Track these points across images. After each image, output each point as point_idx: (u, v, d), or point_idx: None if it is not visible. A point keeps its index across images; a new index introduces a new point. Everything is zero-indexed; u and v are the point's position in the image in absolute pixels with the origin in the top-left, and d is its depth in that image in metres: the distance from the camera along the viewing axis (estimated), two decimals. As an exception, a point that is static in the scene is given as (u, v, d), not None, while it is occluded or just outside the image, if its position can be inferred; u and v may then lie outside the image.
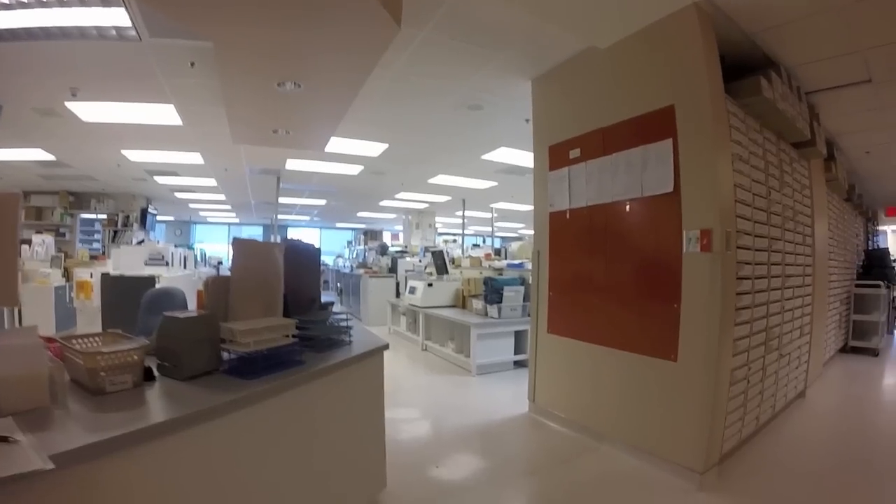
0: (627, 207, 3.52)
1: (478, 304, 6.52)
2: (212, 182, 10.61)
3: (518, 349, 6.27)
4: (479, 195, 11.32)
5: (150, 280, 5.17)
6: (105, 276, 5.08)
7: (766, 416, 3.94)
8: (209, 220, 18.92)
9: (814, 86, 4.62)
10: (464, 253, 9.77)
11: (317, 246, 3.15)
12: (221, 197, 12.85)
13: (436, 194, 11.73)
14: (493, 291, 6.17)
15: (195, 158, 8.29)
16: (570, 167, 4.00)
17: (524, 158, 7.69)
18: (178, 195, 12.53)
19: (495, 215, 13.81)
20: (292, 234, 21.22)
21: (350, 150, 7.48)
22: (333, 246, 21.10)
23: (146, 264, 7.56)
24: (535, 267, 4.45)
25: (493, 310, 6.15)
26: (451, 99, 5.28)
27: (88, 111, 5.65)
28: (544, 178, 4.36)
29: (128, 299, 2.68)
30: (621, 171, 3.56)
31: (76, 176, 9.95)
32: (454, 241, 14.29)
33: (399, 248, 13.03)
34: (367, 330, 3.07)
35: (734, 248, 3.16)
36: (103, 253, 10.83)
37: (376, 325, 9.43)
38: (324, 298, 2.97)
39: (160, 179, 10.25)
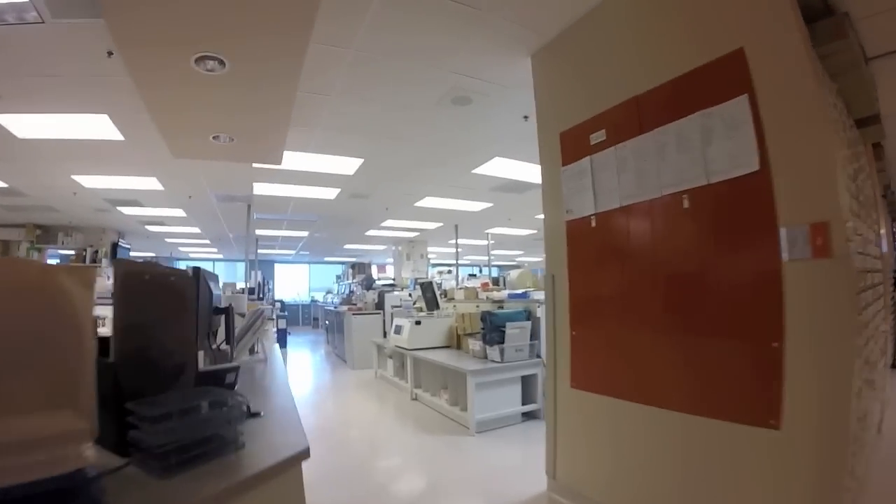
0: (685, 201, 2.42)
1: (475, 344, 5.39)
2: (180, 213, 9.60)
3: (526, 397, 5.13)
4: (473, 219, 10.28)
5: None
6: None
7: None
8: (191, 255, 17.85)
9: (875, 49, 3.59)
10: (458, 284, 8.65)
11: (206, 272, 2.10)
12: (196, 230, 11.82)
13: (425, 220, 10.69)
14: (492, 329, 5.04)
15: (153, 184, 7.34)
16: (593, 156, 2.92)
17: (522, 171, 6.69)
18: (150, 228, 11.53)
19: (492, 242, 12.77)
20: (279, 270, 20.16)
21: (321, 168, 6.47)
22: (324, 281, 20.02)
23: (95, 304, 6.47)
24: (548, 297, 3.31)
25: (493, 352, 5.02)
26: (432, 90, 4.26)
27: (19, 124, 4.95)
28: (556, 178, 3.30)
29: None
30: (670, 152, 2.49)
31: (37, 207, 9.05)
32: (448, 271, 13.21)
33: (387, 282, 11.89)
34: (287, 419, 1.90)
35: (853, 252, 2.07)
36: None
37: (362, 369, 8.31)
38: (296, 340, 1.87)
39: (125, 210, 9.29)
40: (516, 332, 5.06)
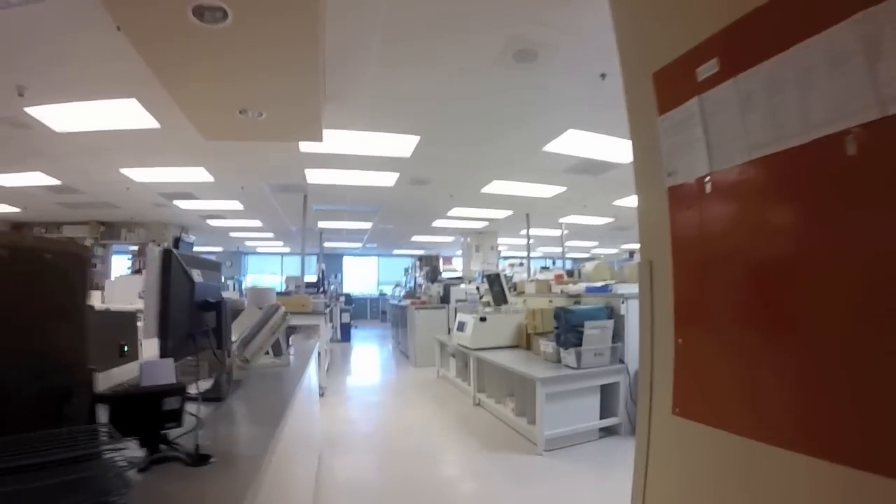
0: (849, 145, 1.59)
1: (546, 345, 4.65)
2: (236, 205, 9.40)
3: (605, 410, 4.36)
4: (546, 207, 9.45)
5: (128, 314, 3.94)
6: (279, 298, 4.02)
7: None
8: (258, 250, 17.99)
9: None
10: (529, 276, 7.87)
11: (189, 256, 1.55)
12: (256, 223, 11.67)
13: (493, 208, 9.96)
14: (568, 329, 4.28)
15: (202, 175, 7.09)
16: (703, 96, 2.09)
17: (599, 147, 5.86)
18: (211, 222, 11.50)
19: (566, 232, 11.86)
20: (347, 263, 20.03)
21: (375, 149, 5.92)
22: (393, 275, 19.72)
23: (140, 297, 6.31)
24: (644, 291, 2.51)
25: (568, 356, 4.27)
26: (489, 43, 3.55)
27: (53, 117, 4.88)
28: (650, 133, 2.49)
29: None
30: (819, 76, 1.65)
31: (97, 203, 9.24)
32: (520, 264, 12.41)
33: (453, 274, 11.25)
34: (248, 467, 1.26)
35: None
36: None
37: (425, 367, 7.74)
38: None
39: (181, 204, 9.21)
40: (596, 333, 4.28)
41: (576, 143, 5.72)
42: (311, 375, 3.63)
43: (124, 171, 6.92)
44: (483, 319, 5.46)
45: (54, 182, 7.55)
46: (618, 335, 4.45)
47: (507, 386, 4.90)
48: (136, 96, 4.47)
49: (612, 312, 4.54)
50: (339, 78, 4.03)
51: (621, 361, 4.46)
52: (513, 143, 5.75)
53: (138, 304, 6.20)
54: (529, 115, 4.91)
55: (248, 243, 16.25)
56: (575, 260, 18.91)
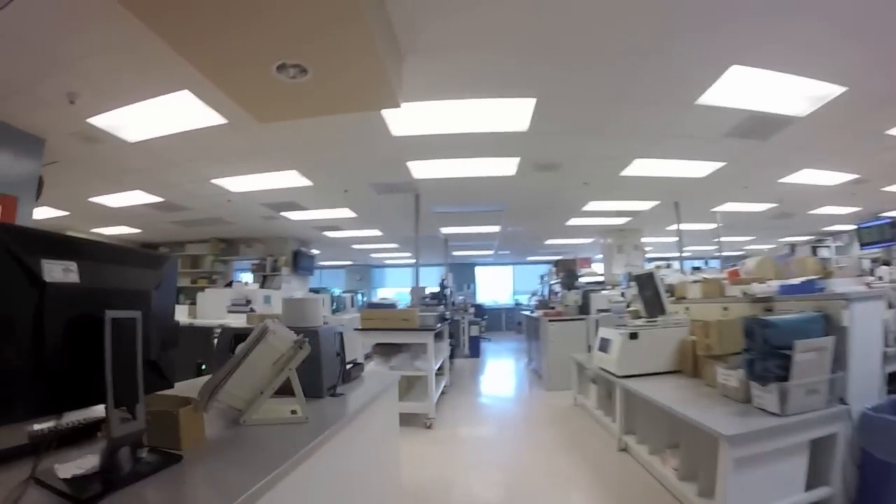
0: None
1: (727, 375, 3.17)
2: (347, 213, 8.79)
3: (813, 475, 2.80)
4: (697, 191, 7.64)
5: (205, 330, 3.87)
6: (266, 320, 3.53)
7: None
8: (386, 262, 17.64)
9: None
10: (686, 277, 6.19)
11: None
12: (376, 232, 11.08)
13: (636, 198, 8.32)
14: (767, 352, 2.78)
15: (297, 179, 6.54)
16: None
17: (774, 92, 4.29)
18: (329, 234, 11.13)
19: (720, 225, 9.78)
20: (480, 273, 19.08)
21: (483, 125, 4.82)
22: (529, 283, 18.40)
23: (229, 311, 5.83)
24: None
25: (767, 395, 2.77)
26: None
27: (120, 125, 4.69)
28: None
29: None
30: None
31: (207, 219, 9.26)
32: (667, 265, 10.51)
33: (593, 279, 9.69)
34: None
35: None
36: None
37: (560, 390, 6.43)
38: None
39: (290, 215, 8.85)
40: (811, 359, 2.75)
41: (741, 87, 4.15)
42: (381, 420, 2.57)
43: (216, 181, 6.61)
44: (633, 336, 4.05)
45: (156, 199, 7.51)
46: (837, 359, 2.89)
47: (667, 432, 3.49)
48: (187, 86, 3.91)
49: (828, 323, 2.98)
50: (422, 24, 2.99)
51: (842, 401, 2.88)
52: (657, 93, 4.28)
53: (225, 319, 5.68)
54: (677, 45, 3.48)
55: (373, 255, 15.89)
56: (726, 259, 16.26)
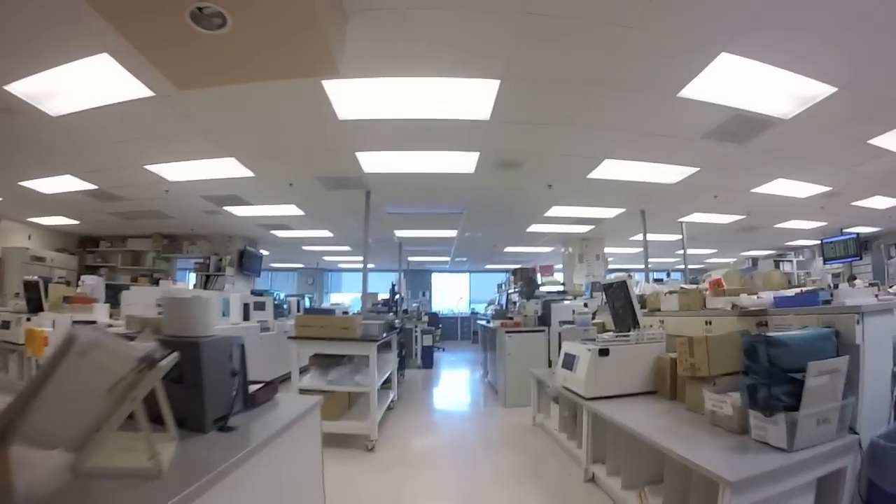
0: None
1: (717, 402, 2.69)
2: (295, 210, 8.13)
3: None
4: (666, 199, 7.37)
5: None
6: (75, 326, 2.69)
7: None
8: (340, 266, 16.91)
9: None
10: (656, 289, 5.76)
11: None
12: (326, 233, 10.40)
13: (602, 205, 7.95)
14: (772, 376, 2.30)
15: (236, 168, 5.88)
16: None
17: (761, 89, 3.99)
18: (278, 234, 10.42)
19: (686, 236, 9.49)
20: (437, 280, 18.55)
21: (439, 111, 4.28)
22: (486, 293, 17.94)
23: (159, 314, 5.09)
24: None
25: (771, 427, 2.30)
26: None
27: (40, 95, 4.16)
28: None
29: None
30: None
31: (147, 212, 8.49)
32: (629, 276, 10.10)
33: (554, 288, 9.22)
34: None
35: None
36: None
37: (518, 407, 5.93)
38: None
39: (235, 210, 8.12)
40: (824, 384, 2.30)
41: (728, 80, 3.79)
42: (294, 458, 1.97)
43: (151, 167, 5.94)
44: (604, 353, 3.54)
45: (89, 186, 6.82)
46: (848, 382, 2.46)
47: (645, 463, 3.00)
48: (106, 49, 3.37)
49: (837, 338, 2.55)
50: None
51: (852, 430, 2.45)
52: (638, 79, 3.83)
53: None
54: (667, 19, 3.04)
55: (325, 258, 15.13)
56: (689, 272, 16.21)
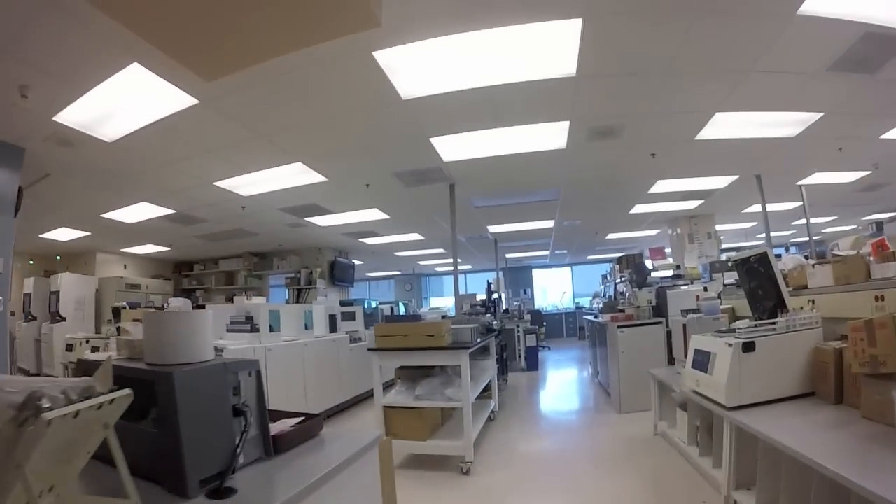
0: None
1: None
2: (378, 214, 7.83)
3: None
4: (784, 157, 6.23)
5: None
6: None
7: None
8: (437, 270, 16.62)
9: None
10: (808, 258, 4.76)
11: None
12: (416, 236, 10.07)
13: (711, 174, 6.96)
14: None
15: (306, 174, 5.72)
16: None
17: None
18: (367, 241, 10.22)
19: (806, 203, 8.04)
20: (538, 276, 17.83)
21: (513, 72, 3.74)
22: (590, 285, 16.97)
23: (228, 331, 4.97)
24: None
25: None
26: None
27: (89, 122, 4.16)
28: None
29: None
30: None
31: (231, 231, 8.67)
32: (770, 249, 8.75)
33: (666, 273, 8.24)
34: None
35: None
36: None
37: (635, 412, 5.23)
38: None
39: (317, 221, 8.00)
40: None
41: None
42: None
43: (220, 184, 5.92)
44: (749, 347, 2.78)
45: (167, 211, 6.99)
46: None
47: (817, 496, 2.24)
48: (135, 59, 3.27)
49: None
50: None
51: None
52: (749, 3, 3.05)
53: (223, 341, 4.80)
54: None
55: (420, 263, 14.87)
56: (799, 245, 14.23)
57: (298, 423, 1.79)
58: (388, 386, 4.53)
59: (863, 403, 2.41)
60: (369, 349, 4.26)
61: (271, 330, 5.21)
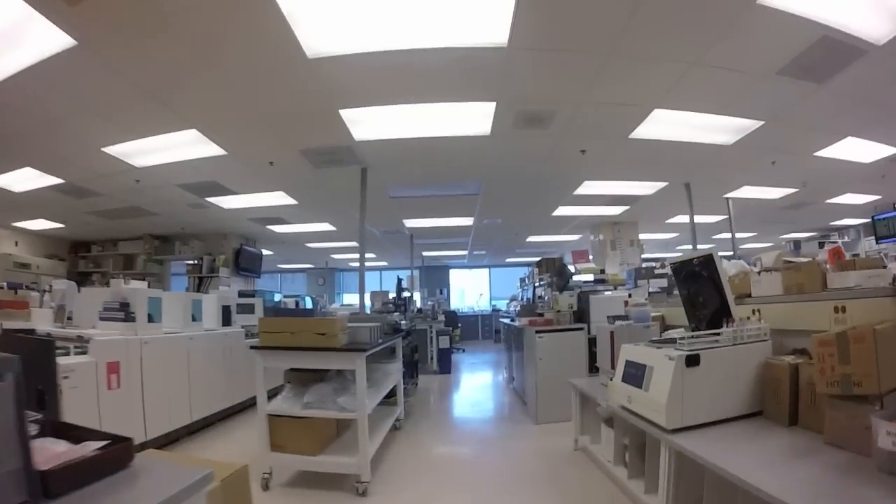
0: None
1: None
2: (285, 199, 7.09)
3: None
4: (716, 166, 6.17)
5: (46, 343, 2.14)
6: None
7: None
8: (351, 265, 15.90)
9: None
10: (758, 264, 4.56)
11: None
12: (327, 226, 9.35)
13: (642, 178, 6.78)
14: None
15: (203, 145, 5.03)
16: None
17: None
18: (276, 230, 9.40)
19: (732, 217, 8.15)
20: (454, 276, 17.49)
21: (438, 35, 3.19)
22: (508, 289, 16.79)
23: (100, 318, 4.11)
24: None
25: None
26: None
27: None
28: None
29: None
30: None
31: (126, 209, 7.67)
32: (661, 266, 8.85)
33: (588, 276, 7.98)
34: None
35: None
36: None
37: (552, 423, 4.84)
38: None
39: (221, 202, 7.11)
40: None
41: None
42: None
43: (109, 150, 5.05)
44: (693, 361, 2.39)
45: (55, 180, 6.10)
46: None
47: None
48: None
49: None
50: None
51: None
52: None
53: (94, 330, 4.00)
54: None
55: (333, 256, 14.08)
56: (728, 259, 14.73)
57: (88, 457, 1.19)
58: (278, 391, 3.87)
59: (827, 428, 2.07)
60: (251, 347, 3.58)
61: (150, 320, 4.42)
